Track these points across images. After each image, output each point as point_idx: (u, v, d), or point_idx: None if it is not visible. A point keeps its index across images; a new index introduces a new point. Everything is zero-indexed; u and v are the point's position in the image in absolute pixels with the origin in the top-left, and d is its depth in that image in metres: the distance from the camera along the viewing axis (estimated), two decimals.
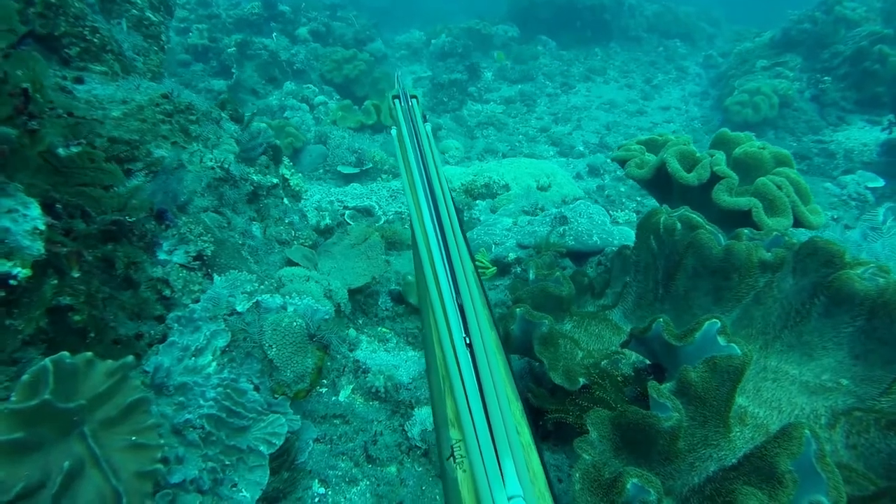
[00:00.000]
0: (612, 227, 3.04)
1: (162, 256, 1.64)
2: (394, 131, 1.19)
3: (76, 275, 1.09)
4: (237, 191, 2.33)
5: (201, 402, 1.38)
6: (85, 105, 1.94)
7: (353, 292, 2.38)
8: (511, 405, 0.67)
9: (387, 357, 2.26)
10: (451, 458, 0.63)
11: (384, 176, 4.51)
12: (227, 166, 2.25)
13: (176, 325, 1.50)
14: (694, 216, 1.71)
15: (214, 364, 1.49)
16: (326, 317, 2.00)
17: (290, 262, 2.35)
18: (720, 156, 2.04)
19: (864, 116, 5.89)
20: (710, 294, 1.65)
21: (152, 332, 1.46)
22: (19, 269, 0.94)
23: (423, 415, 1.92)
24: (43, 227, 1.02)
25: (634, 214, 4.21)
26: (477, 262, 2.82)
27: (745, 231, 1.72)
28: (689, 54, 9.63)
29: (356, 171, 4.47)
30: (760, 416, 1.46)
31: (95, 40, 2.29)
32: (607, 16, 9.54)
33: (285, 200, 2.77)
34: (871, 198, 4.53)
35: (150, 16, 2.80)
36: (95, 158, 1.27)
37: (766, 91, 6.08)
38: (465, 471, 0.61)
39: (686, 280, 1.67)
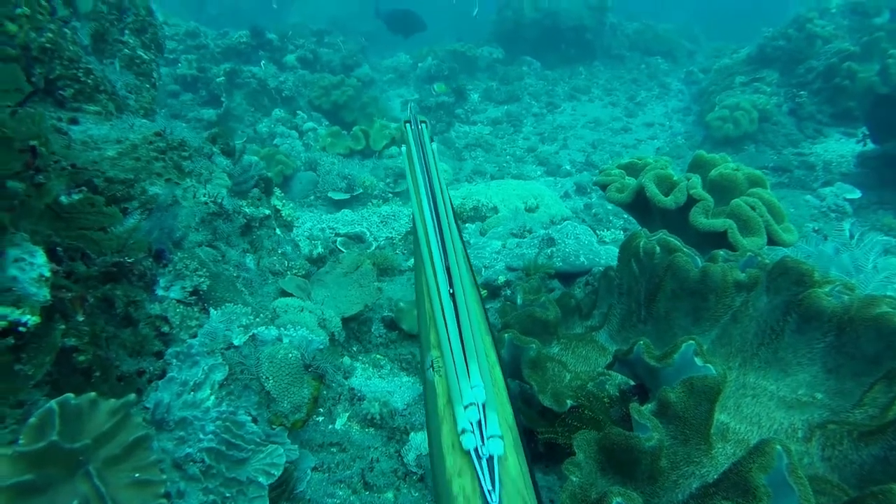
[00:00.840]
0: (600, 246, 3.11)
1: (159, 293, 1.69)
2: (403, 149, 1.39)
3: (81, 318, 1.14)
4: (230, 224, 2.38)
5: (201, 435, 1.43)
6: (81, 146, 2.00)
7: (346, 320, 2.43)
8: (484, 338, 0.92)
9: (381, 383, 2.31)
10: (431, 368, 0.87)
11: (374, 201, 4.58)
12: (220, 200, 2.31)
13: (175, 360, 1.54)
14: (671, 240, 1.78)
15: (213, 398, 1.53)
16: (321, 346, 2.05)
17: (284, 293, 2.40)
18: (696, 179, 2.12)
19: (839, 129, 6.06)
20: (690, 315, 1.72)
21: (151, 368, 1.51)
22: (28, 316, 0.99)
23: (418, 440, 1.96)
24: (48, 274, 1.07)
25: (622, 233, 4.30)
26: None
27: (721, 252, 1.79)
28: (670, 71, 9.85)
29: (347, 196, 4.55)
30: (741, 431, 1.52)
31: (89, 81, 2.35)
32: (590, 35, 9.76)
33: (278, 231, 2.82)
34: (850, 209, 4.65)
35: (142, 54, 2.87)
36: (96, 203, 1.33)
37: (746, 106, 6.24)
38: (441, 376, 0.84)
39: (666, 302, 1.74)
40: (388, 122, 6.02)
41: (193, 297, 1.84)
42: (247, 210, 2.61)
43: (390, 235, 3.57)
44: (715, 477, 1.28)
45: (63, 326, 1.10)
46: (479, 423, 0.74)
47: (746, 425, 1.53)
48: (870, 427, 1.34)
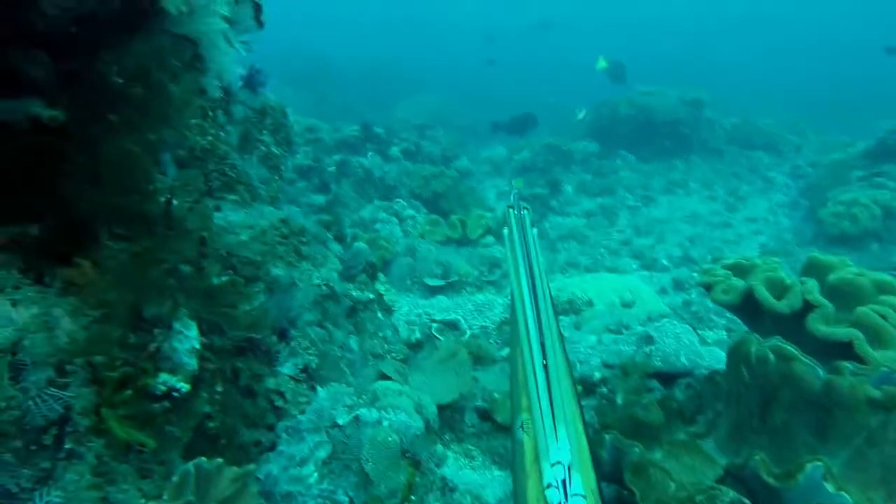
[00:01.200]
0: (701, 347, 2.96)
1: (276, 369, 1.83)
2: (505, 231, 1.51)
3: (220, 388, 1.27)
4: (339, 306, 2.56)
5: None
6: (220, 230, 2.29)
7: (441, 408, 2.45)
8: (573, 407, 0.99)
9: (473, 475, 2.27)
10: (521, 428, 0.96)
11: (468, 289, 4.68)
12: (331, 284, 2.50)
13: (284, 434, 1.64)
14: (787, 347, 1.69)
15: (316, 474, 1.59)
16: (418, 433, 2.08)
17: (384, 376, 2.49)
18: (812, 283, 2.02)
19: None
20: (813, 430, 1.59)
21: (264, 439, 1.61)
22: (182, 383, 1.13)
23: None
24: (199, 346, 1.23)
25: (725, 333, 4.06)
26: None
27: (848, 364, 1.66)
28: (773, 165, 9.50)
29: (442, 283, 4.68)
30: None
31: (233, 174, 2.71)
32: (686, 130, 9.75)
33: (379, 315, 2.97)
34: None
35: (275, 150, 3.28)
36: (237, 284, 1.51)
37: (865, 202, 5.86)
38: (530, 436, 0.91)
39: (783, 413, 1.62)
40: (484, 212, 6.24)
41: (304, 375, 1.97)
42: (353, 293, 2.79)
43: (484, 324, 3.61)
44: None
45: (207, 395, 1.23)
46: (564, 481, 0.80)
47: None
48: None
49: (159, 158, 1.51)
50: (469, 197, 6.87)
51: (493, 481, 2.19)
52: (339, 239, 3.01)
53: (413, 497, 2.08)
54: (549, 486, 0.82)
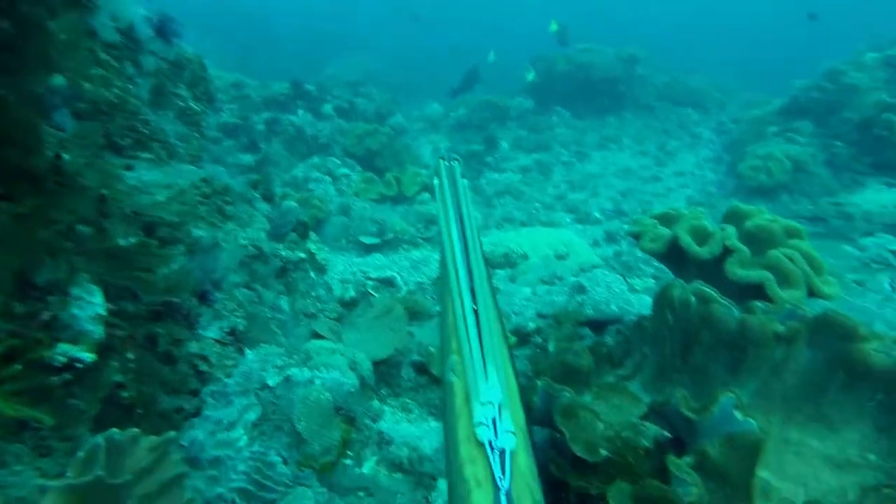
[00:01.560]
0: (630, 294, 3.08)
1: (199, 332, 1.74)
2: (435, 181, 1.49)
3: (131, 356, 1.19)
4: (267, 266, 2.46)
5: (232, 475, 1.44)
6: (134, 191, 2.12)
7: (376, 364, 2.44)
8: (502, 349, 0.98)
9: (410, 428, 2.29)
10: (451, 371, 0.94)
11: (405, 246, 4.65)
12: (258, 244, 2.39)
13: (210, 399, 1.57)
14: (708, 290, 1.76)
15: (246, 437, 1.55)
16: (352, 389, 2.06)
17: (317, 335, 2.44)
18: (731, 230, 2.11)
19: (880, 179, 5.94)
20: (728, 367, 1.68)
21: (188, 406, 1.54)
22: (85, 353, 1.04)
23: (445, 486, 1.93)
24: (104, 313, 1.13)
25: (653, 281, 4.25)
26: None
27: (759, 304, 1.76)
28: (701, 121, 9.88)
29: (378, 241, 4.62)
30: (785, 490, 1.45)
31: (146, 131, 2.51)
32: (621, 87, 9.92)
33: (312, 274, 2.89)
34: (893, 260, 4.51)
35: (193, 106, 3.05)
36: (149, 246, 1.40)
37: (779, 156, 6.20)
38: (460, 378, 0.92)
39: (703, 353, 1.71)
40: (419, 169, 6.16)
41: (230, 337, 1.89)
42: (283, 253, 2.69)
43: (421, 280, 3.60)
44: None
45: (117, 364, 1.14)
46: (494, 420, 0.81)
47: (791, 484, 1.47)
48: None
49: (47, 109, 1.35)
50: (404, 154, 6.76)
51: (430, 432, 2.22)
52: (267, 198, 2.88)
53: (350, 453, 2.08)
54: (479, 424, 0.82)
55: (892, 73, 6.93)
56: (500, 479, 0.75)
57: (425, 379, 2.52)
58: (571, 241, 4.42)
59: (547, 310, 2.85)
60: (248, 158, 6.30)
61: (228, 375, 1.72)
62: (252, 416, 1.61)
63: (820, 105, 6.91)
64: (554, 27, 9.58)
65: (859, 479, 1.42)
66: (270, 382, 1.79)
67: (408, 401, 2.45)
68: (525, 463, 0.81)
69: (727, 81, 12.31)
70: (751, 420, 1.28)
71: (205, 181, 2.30)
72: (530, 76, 8.42)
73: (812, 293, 2.01)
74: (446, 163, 1.55)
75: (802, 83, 7.32)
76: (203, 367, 1.64)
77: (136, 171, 2.23)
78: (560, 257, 4.06)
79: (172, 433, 1.19)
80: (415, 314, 3.08)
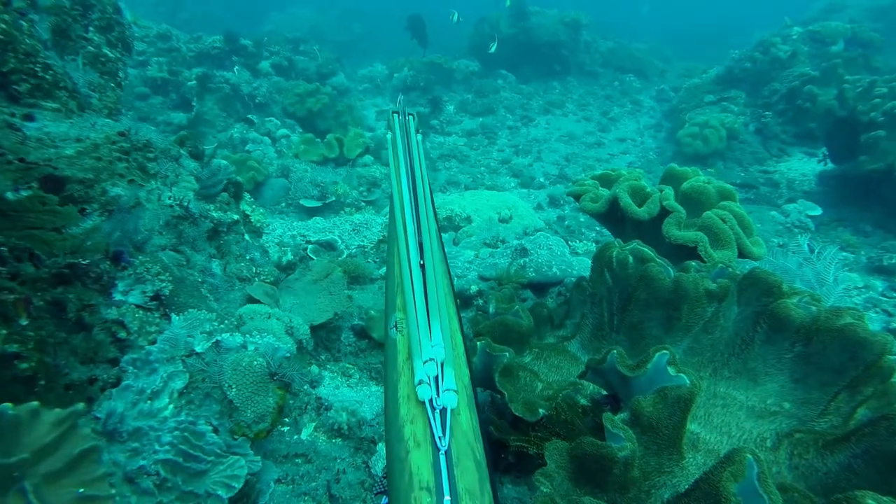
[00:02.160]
0: (572, 257, 3.12)
1: (117, 297, 1.61)
2: (388, 135, 1.44)
3: (24, 322, 1.07)
4: (197, 228, 2.31)
5: (156, 447, 1.35)
6: (36, 143, 1.92)
7: (315, 328, 2.37)
8: (448, 306, 0.95)
9: (350, 393, 2.25)
10: (395, 328, 0.92)
11: (347, 209, 4.53)
12: (186, 204, 2.24)
13: (131, 367, 1.47)
14: (645, 249, 1.79)
15: (171, 407, 1.46)
16: (288, 354, 1.99)
17: (252, 300, 2.33)
18: (669, 191, 2.14)
19: (802, 148, 6.26)
20: (663, 324, 1.72)
21: (105, 376, 1.43)
22: None
23: (385, 451, 1.91)
24: None
25: (594, 244, 4.33)
26: None
27: (693, 263, 1.80)
28: (642, 88, 10.06)
29: (319, 204, 4.48)
30: (712, 441, 1.51)
31: (48, 77, 2.26)
32: (565, 52, 9.92)
33: (246, 237, 2.75)
34: (812, 225, 4.78)
35: (108, 52, 2.78)
36: (48, 201, 1.26)
37: (715, 124, 6.40)
38: (403, 334, 0.90)
39: (639, 311, 1.74)
40: (362, 131, 5.97)
41: (154, 303, 1.76)
42: (214, 214, 2.54)
43: (362, 244, 3.51)
44: (686, 487, 1.27)
45: (4, 332, 1.02)
46: (437, 378, 0.79)
47: (717, 435, 1.53)
48: (834, 436, 1.35)
49: None
50: (347, 116, 6.53)
51: (370, 397, 2.19)
52: (196, 156, 2.69)
53: (287, 419, 2.02)
54: (420, 382, 0.79)
55: (815, 48, 7.26)
56: (440, 438, 0.73)
57: (366, 343, 2.47)
58: (515, 205, 4.43)
59: (489, 272, 2.84)
60: (179, 117, 5.92)
61: (152, 342, 1.61)
62: (178, 384, 1.52)
63: (752, 75, 7.16)
64: (508, 2, 9.39)
65: (776, 426, 1.50)
66: (198, 349, 1.69)
67: (348, 365, 2.41)
68: (467, 421, 0.79)
69: (668, 49, 12.56)
70: (683, 375, 1.31)
71: (122, 135, 2.11)
72: (493, 48, 8.25)
73: (742, 253, 2.08)
74: (400, 117, 1.49)
75: (737, 53, 7.54)
76: (122, 334, 1.52)
77: (39, 122, 2.02)
78: (503, 220, 4.06)
79: (81, 405, 1.09)
80: (355, 278, 3.01)
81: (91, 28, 2.60)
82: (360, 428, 2.01)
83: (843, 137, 4.98)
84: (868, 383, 1.48)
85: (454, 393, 0.77)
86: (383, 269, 3.16)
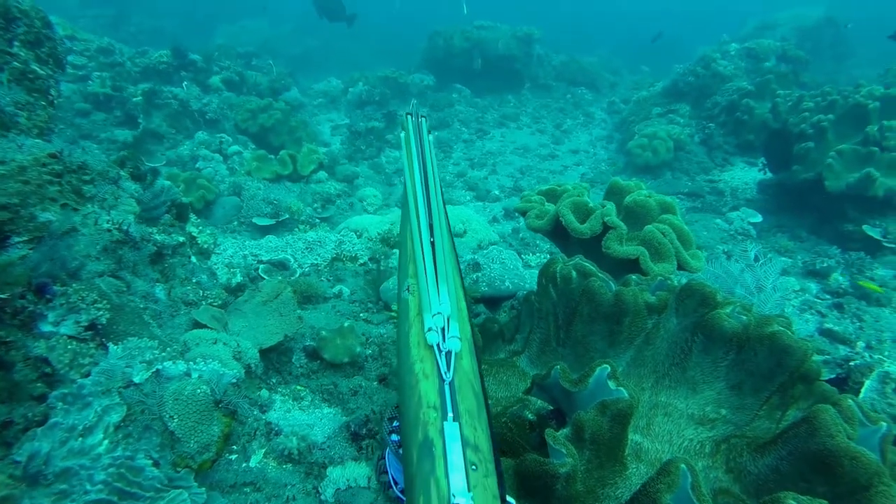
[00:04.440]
0: (525, 270, 3.17)
1: (47, 329, 1.54)
2: (402, 134, 1.59)
3: None
4: (138, 252, 2.24)
5: (88, 486, 1.30)
6: None
7: (265, 351, 2.32)
8: (455, 275, 1.11)
9: (301, 416, 2.21)
10: (407, 291, 1.08)
11: (301, 227, 4.47)
12: (126, 227, 2.17)
13: (60, 403, 1.40)
14: (587, 264, 1.83)
15: (106, 442, 1.40)
16: (234, 380, 1.94)
17: (198, 324, 2.27)
18: (610, 207, 2.21)
19: (744, 158, 6.55)
20: (606, 338, 1.76)
21: (30, 414, 1.36)
22: None
23: (336, 474, 1.88)
24: None
25: (548, 255, 4.41)
26: (393, 312, 2.84)
27: (633, 277, 1.86)
28: (594, 101, 10.34)
29: (272, 222, 4.41)
30: (654, 450, 1.56)
31: None
32: (518, 65, 10.12)
33: (193, 259, 2.68)
34: (754, 232, 5.00)
35: (36, 69, 2.67)
36: None
37: (662, 136, 6.63)
38: (414, 295, 1.04)
39: (583, 325, 1.78)
40: (316, 147, 5.92)
41: (89, 333, 1.69)
42: (158, 237, 2.47)
43: (315, 262, 3.47)
44: (628, 497, 1.30)
45: None
46: (443, 329, 0.93)
47: (659, 444, 1.58)
48: (765, 439, 1.41)
49: None
50: (301, 131, 6.46)
51: (322, 419, 2.15)
52: (138, 177, 2.61)
53: (234, 447, 1.97)
54: (429, 330, 0.94)
55: (751, 63, 7.65)
56: (445, 373, 0.87)
57: (318, 364, 2.44)
58: (469, 219, 4.47)
59: None
60: (124, 134, 5.72)
61: (85, 375, 1.54)
62: (115, 417, 1.46)
63: (695, 89, 7.48)
64: (465, 10, 9.58)
65: (714, 432, 1.55)
66: (137, 379, 1.64)
67: (299, 388, 2.36)
68: (469, 365, 0.93)
69: (618, 62, 12.97)
70: (622, 389, 1.34)
71: (54, 157, 2.03)
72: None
73: (681, 266, 2.16)
74: (414, 119, 1.64)
75: (681, 67, 7.86)
76: (50, 368, 1.45)
77: None
78: (457, 235, 4.08)
79: None
80: (308, 297, 2.97)
81: (16, 43, 2.49)
82: (310, 452, 1.98)
83: (779, 148, 5.24)
84: (796, 387, 1.55)
85: (458, 340, 0.92)
86: (336, 288, 3.14)
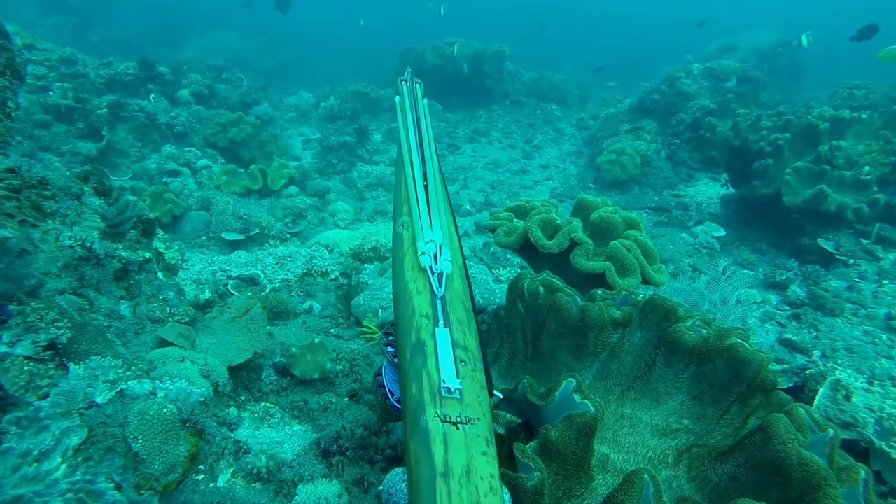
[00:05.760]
0: (495, 285, 3.20)
1: (1, 350, 1.50)
2: (396, 99, 1.69)
3: None
4: (102, 269, 2.19)
5: None
6: None
7: (234, 369, 2.29)
8: (447, 213, 1.17)
9: (271, 434, 2.18)
10: (402, 227, 1.13)
11: (271, 242, 4.43)
12: (89, 244, 2.13)
13: (14, 428, 1.36)
14: (554, 280, 1.87)
15: (64, 467, 1.36)
16: (202, 399, 1.91)
17: (164, 342, 2.23)
18: (577, 223, 2.26)
19: (708, 174, 6.77)
20: (573, 352, 1.80)
21: None
22: None
23: (306, 492, 1.87)
24: None
25: (519, 270, 4.46)
26: (364, 328, 2.84)
27: (599, 292, 1.90)
28: (564, 116, 10.55)
29: (241, 237, 4.36)
30: (620, 461, 1.59)
31: None
32: (489, 82, 10.28)
33: (160, 275, 2.64)
34: (717, 245, 5.15)
35: None
36: None
37: (630, 151, 6.81)
38: (408, 230, 1.09)
39: (550, 340, 1.81)
40: (287, 161, 5.90)
41: (49, 353, 1.65)
42: (123, 253, 2.42)
43: (286, 277, 3.45)
44: None
45: None
46: (435, 255, 1.00)
47: (625, 455, 1.61)
48: (724, 447, 1.45)
49: None
50: (272, 145, 6.43)
51: (292, 436, 2.13)
52: (102, 192, 2.56)
53: (202, 467, 1.93)
54: (422, 253, 1.01)
55: (713, 83, 7.94)
56: (437, 289, 0.94)
57: (288, 381, 2.42)
58: None
59: None
60: (88, 146, 5.60)
61: (43, 397, 1.50)
62: (74, 440, 1.42)
63: (661, 106, 7.70)
64: (442, 12, 9.78)
65: (677, 442, 1.60)
66: (100, 400, 1.60)
67: (269, 405, 2.34)
68: (460, 285, 1.00)
69: (587, 79, 13.27)
70: (587, 402, 1.37)
71: (12, 172, 1.99)
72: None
73: (646, 281, 2.22)
74: (409, 84, 1.82)
75: (647, 86, 8.09)
76: (2, 391, 1.41)
77: None
78: None
79: None
80: (278, 313, 2.95)
81: None
82: (279, 470, 1.95)
83: (740, 164, 5.43)
84: (754, 397, 1.61)
85: (449, 263, 0.99)
86: (307, 304, 3.12)
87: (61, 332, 1.73)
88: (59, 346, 1.70)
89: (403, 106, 1.64)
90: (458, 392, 0.76)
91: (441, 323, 0.88)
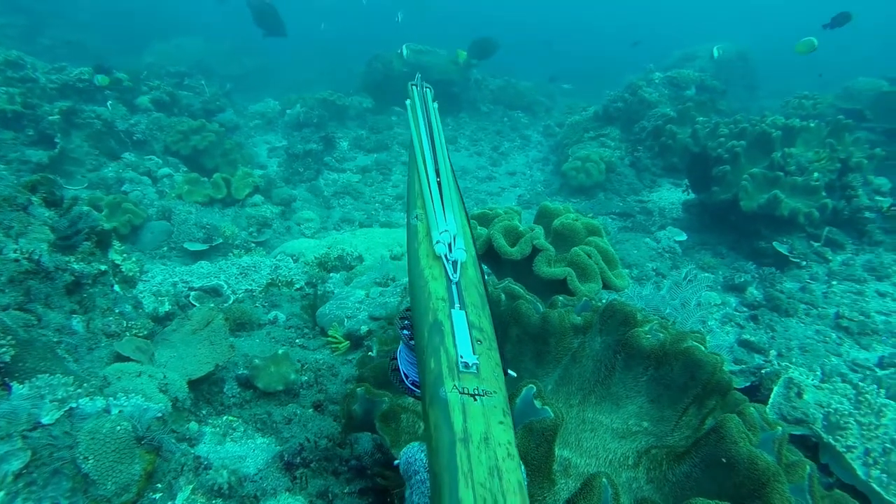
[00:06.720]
0: None
1: None
2: (408, 102, 1.70)
3: None
4: (51, 283, 2.12)
5: None
6: None
7: (195, 382, 2.23)
8: (460, 206, 1.22)
9: (233, 448, 2.13)
10: (416, 218, 1.17)
11: (235, 251, 4.35)
12: (36, 257, 2.05)
13: None
14: (515, 287, 1.89)
15: (2, 494, 1.30)
16: (159, 414, 1.86)
17: (120, 357, 2.16)
18: (539, 230, 2.29)
19: (669, 180, 6.94)
20: (534, 358, 1.82)
21: None
22: None
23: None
24: None
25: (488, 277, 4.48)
26: (330, 337, 2.81)
27: (560, 298, 1.93)
28: (530, 124, 10.69)
29: (204, 247, 4.26)
30: (582, 465, 1.61)
31: None
32: (456, 89, 10.34)
33: (116, 288, 2.56)
34: (679, 249, 5.28)
35: None
36: None
37: (595, 158, 6.93)
38: (422, 222, 1.14)
39: (513, 347, 1.82)
40: (251, 170, 5.80)
41: None
42: (75, 266, 2.34)
43: (250, 287, 3.39)
44: None
45: None
46: (450, 244, 1.03)
47: (587, 458, 1.63)
48: (682, 448, 1.49)
49: None
50: (236, 153, 6.32)
51: (255, 450, 2.09)
52: (52, 203, 2.47)
53: (159, 485, 1.88)
54: (437, 242, 1.04)
55: (674, 91, 8.17)
56: (453, 274, 0.96)
57: (251, 393, 2.37)
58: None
59: (379, 312, 2.85)
60: (38, 154, 5.41)
61: None
62: (15, 465, 1.36)
63: (624, 114, 7.88)
64: (399, 17, 9.81)
65: (637, 444, 1.62)
66: (46, 420, 1.54)
67: (232, 418, 2.29)
68: (474, 273, 1.04)
69: (552, 87, 13.48)
70: (547, 408, 1.39)
71: None
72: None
73: (606, 286, 2.26)
74: (419, 89, 1.79)
75: (611, 94, 8.27)
76: None
77: None
78: (395, 258, 4.10)
79: None
80: (241, 324, 2.89)
81: None
82: (241, 485, 1.91)
83: (699, 170, 5.59)
84: (710, 397, 1.65)
85: (463, 251, 1.02)
86: (271, 314, 3.06)
87: (3, 350, 1.66)
88: (1, 364, 1.63)
89: (415, 108, 1.68)
90: (475, 367, 0.80)
91: (457, 305, 0.91)
